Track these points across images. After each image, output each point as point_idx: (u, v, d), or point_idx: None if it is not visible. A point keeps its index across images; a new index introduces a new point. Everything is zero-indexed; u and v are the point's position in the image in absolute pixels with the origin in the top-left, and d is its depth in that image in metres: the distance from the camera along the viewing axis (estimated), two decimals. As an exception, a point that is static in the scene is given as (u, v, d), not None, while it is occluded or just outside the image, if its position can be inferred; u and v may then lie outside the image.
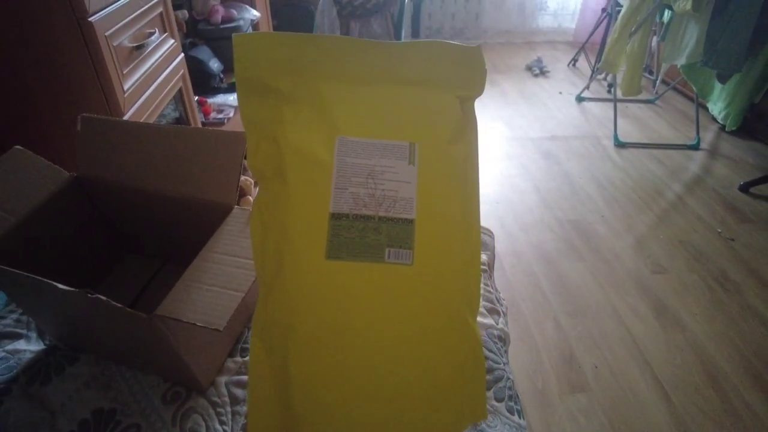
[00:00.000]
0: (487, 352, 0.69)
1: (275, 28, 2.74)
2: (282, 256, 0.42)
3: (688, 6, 2.06)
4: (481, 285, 0.78)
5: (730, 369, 1.42)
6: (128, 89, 1.01)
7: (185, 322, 0.51)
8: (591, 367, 1.43)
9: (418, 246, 0.41)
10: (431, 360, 0.41)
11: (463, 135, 0.47)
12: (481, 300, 0.75)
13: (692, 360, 1.46)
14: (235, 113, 1.78)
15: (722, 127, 2.63)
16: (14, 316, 0.76)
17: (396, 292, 0.41)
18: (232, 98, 1.84)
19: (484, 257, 0.83)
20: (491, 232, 0.89)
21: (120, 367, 0.69)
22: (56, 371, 0.68)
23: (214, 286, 0.55)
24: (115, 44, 0.96)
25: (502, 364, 0.68)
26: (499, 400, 0.64)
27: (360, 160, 0.43)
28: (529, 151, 2.51)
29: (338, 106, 0.45)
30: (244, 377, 0.68)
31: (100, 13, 0.91)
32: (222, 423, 0.64)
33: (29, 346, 0.71)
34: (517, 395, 0.65)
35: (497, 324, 0.73)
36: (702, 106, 2.64)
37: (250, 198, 1.64)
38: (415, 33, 4.00)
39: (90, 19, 0.87)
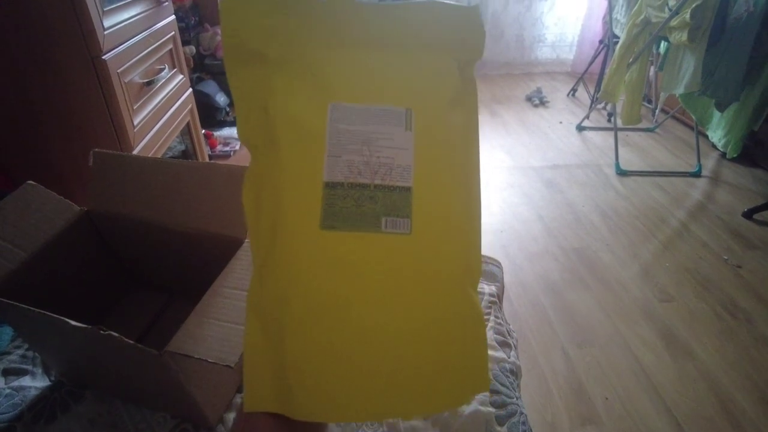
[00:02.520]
0: (499, 386, 0.68)
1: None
2: (276, 227, 0.40)
3: (684, 37, 2.11)
4: (492, 317, 0.77)
5: (744, 400, 1.39)
6: (138, 124, 1.03)
7: (196, 358, 0.51)
8: (601, 399, 1.40)
9: (415, 214, 0.40)
10: (431, 331, 0.39)
11: (463, 101, 0.45)
12: (493, 337, 0.74)
13: (705, 391, 1.43)
14: (241, 147, 1.80)
15: (723, 154, 2.65)
16: (20, 351, 0.75)
17: (394, 261, 0.39)
18: (237, 131, 1.87)
19: (493, 289, 0.82)
20: (499, 263, 0.89)
21: (127, 405, 0.68)
22: (62, 409, 0.67)
23: (225, 321, 0.55)
24: (126, 80, 0.98)
25: (515, 399, 0.67)
26: (513, 436, 0.63)
27: (354, 126, 0.41)
28: (532, 179, 2.52)
29: (330, 71, 0.43)
30: (252, 414, 0.67)
31: (114, 51, 0.93)
32: (229, 461, 0.63)
33: (34, 383, 0.71)
34: (531, 430, 0.64)
35: (509, 357, 0.72)
36: (702, 134, 2.67)
37: None
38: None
39: (104, 57, 0.89)
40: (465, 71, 0.46)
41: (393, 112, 0.42)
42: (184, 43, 1.94)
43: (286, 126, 0.41)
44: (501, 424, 0.64)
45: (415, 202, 0.40)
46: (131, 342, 0.50)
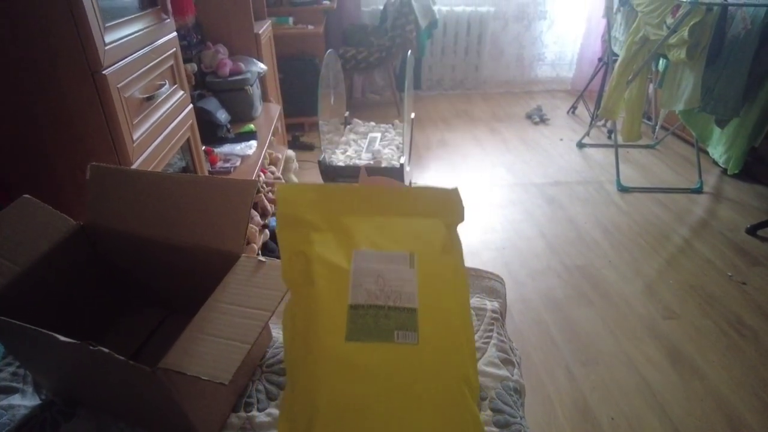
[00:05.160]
0: (502, 405, 0.66)
1: (281, 82, 2.82)
2: (308, 342, 0.50)
3: (683, 55, 2.12)
4: (494, 334, 0.75)
5: (753, 420, 1.36)
6: (137, 139, 1.02)
7: (189, 375, 0.49)
8: (607, 418, 1.37)
9: (421, 329, 0.50)
10: (437, 420, 0.47)
11: (450, 250, 0.59)
12: (496, 354, 0.72)
13: (713, 410, 1.40)
14: (241, 162, 1.80)
15: (724, 171, 2.64)
16: (11, 369, 0.74)
17: (405, 367, 0.48)
18: (238, 148, 1.87)
19: (495, 305, 0.80)
20: (501, 279, 0.87)
21: (118, 424, 0.66)
22: (52, 428, 0.65)
23: (219, 337, 0.53)
24: (126, 95, 0.98)
25: (518, 418, 0.64)
26: (517, 458, 0.61)
27: (371, 265, 0.54)
28: (533, 196, 2.52)
29: (354, 230, 0.58)
30: (248, 434, 0.65)
31: (114, 66, 0.93)
32: (223, 485, 0.60)
33: (24, 401, 0.69)
34: (537, 452, 0.62)
35: (512, 375, 0.70)
36: (702, 151, 2.67)
37: (255, 246, 1.63)
38: (417, 85, 4.12)
39: (104, 72, 0.89)
40: (451, 229, 0.61)
41: (400, 255, 0.56)
42: (186, 60, 1.95)
43: (321, 266, 0.54)
44: (504, 445, 0.62)
45: (421, 319, 0.51)
46: (122, 358, 0.48)
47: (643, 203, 2.47)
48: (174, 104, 1.24)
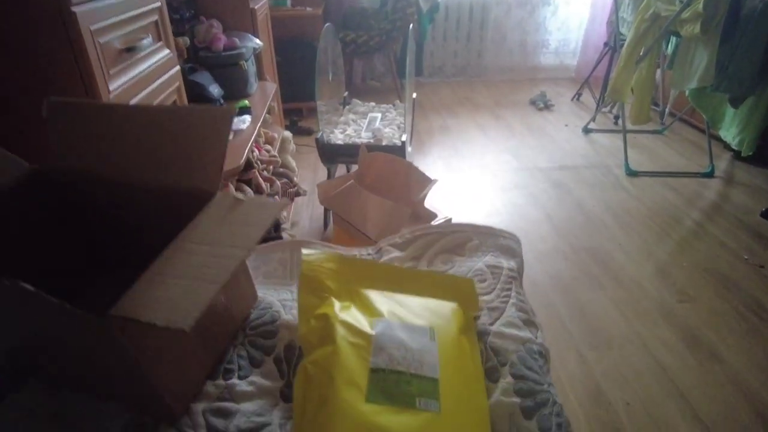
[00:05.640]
0: (525, 371, 0.56)
1: (278, 65, 2.73)
2: (325, 400, 0.49)
3: (696, 29, 2.03)
4: (513, 293, 0.66)
5: (779, 406, 1.27)
6: (115, 90, 0.93)
7: (144, 322, 0.40)
8: (622, 404, 1.28)
9: (443, 398, 0.50)
10: None
11: (467, 332, 0.60)
12: (516, 315, 0.63)
13: (734, 395, 1.31)
14: (234, 137, 1.71)
15: (735, 155, 2.55)
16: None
17: None
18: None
19: (512, 264, 0.72)
20: (517, 238, 0.78)
21: (75, 395, 0.57)
22: (-3, 398, 0.56)
23: (182, 278, 0.44)
24: (102, 41, 0.89)
25: (545, 385, 0.55)
26: (545, 431, 0.51)
27: (394, 333, 0.55)
28: (539, 180, 2.43)
29: (375, 301, 0.60)
30: (227, 404, 0.56)
31: (86, 4, 0.84)
32: (197, 462, 0.51)
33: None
34: (568, 423, 0.53)
35: (536, 338, 0.61)
36: (713, 136, 2.58)
37: (256, 173, 1.53)
38: (418, 71, 4.02)
39: (73, 9, 0.80)
40: (467, 316, 0.63)
41: (421, 328, 0.57)
42: (179, 34, 1.86)
43: (343, 328, 0.55)
44: (529, 417, 0.52)
45: (442, 390, 0.51)
46: (58, 301, 0.39)
47: (652, 187, 2.38)
48: (159, 62, 1.14)
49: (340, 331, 0.55)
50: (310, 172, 2.51)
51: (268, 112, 2.13)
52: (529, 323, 0.63)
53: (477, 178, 2.45)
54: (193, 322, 0.39)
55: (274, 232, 1.69)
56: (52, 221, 0.67)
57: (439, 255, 0.74)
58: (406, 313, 0.59)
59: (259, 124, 1.85)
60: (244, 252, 0.46)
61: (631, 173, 2.50)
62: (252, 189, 1.71)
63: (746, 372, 1.37)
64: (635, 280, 1.73)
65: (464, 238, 0.76)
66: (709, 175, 2.47)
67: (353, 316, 0.57)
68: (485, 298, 0.66)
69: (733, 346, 1.46)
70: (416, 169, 1.50)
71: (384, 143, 1.89)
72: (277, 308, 0.66)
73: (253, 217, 0.50)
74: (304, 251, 0.64)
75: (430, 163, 2.61)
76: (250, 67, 2.11)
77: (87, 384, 0.56)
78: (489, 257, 0.72)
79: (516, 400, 0.54)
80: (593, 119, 3.09)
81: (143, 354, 0.46)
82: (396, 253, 0.74)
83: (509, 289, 0.67)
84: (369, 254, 0.76)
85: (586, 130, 3.05)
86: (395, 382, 0.50)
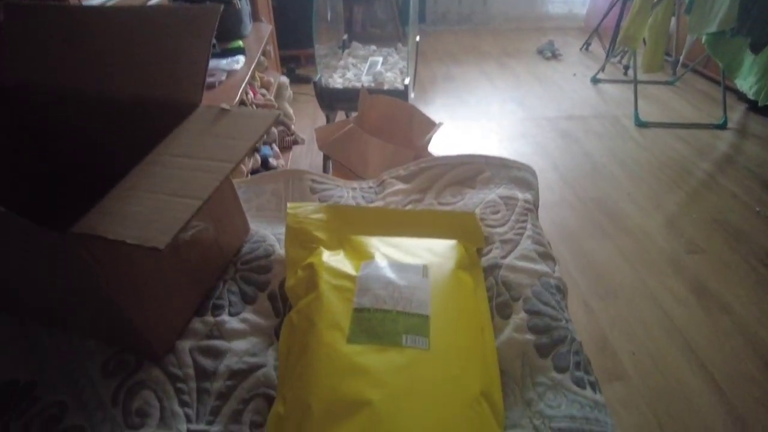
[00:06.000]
0: (541, 306, 0.52)
1: (275, 11, 2.58)
2: (307, 345, 0.46)
3: (721, -33, 1.89)
4: (528, 225, 0.61)
5: (788, 356, 1.24)
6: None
7: (111, 240, 0.34)
8: (628, 354, 1.25)
9: (433, 336, 0.45)
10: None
11: (469, 268, 0.56)
12: (531, 247, 0.58)
13: (742, 346, 1.28)
14: (227, 77, 1.62)
15: (751, 106, 2.46)
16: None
17: (413, 372, 0.43)
18: (224, 62, 1.68)
19: (528, 196, 0.66)
20: (533, 170, 0.72)
21: (51, 332, 0.52)
22: (-35, 334, 0.51)
23: (158, 193, 0.38)
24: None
25: (563, 321, 0.50)
26: (561, 370, 0.47)
27: (381, 273, 0.51)
28: (545, 130, 2.34)
29: (366, 245, 0.56)
30: (217, 342, 0.51)
31: None
32: (183, 404, 0.47)
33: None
34: (588, 361, 0.48)
35: (553, 272, 0.55)
36: (728, 88, 2.47)
37: (244, 168, 1.47)
38: (421, 18, 3.84)
39: None
40: (470, 252, 0.59)
41: (412, 266, 0.53)
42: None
43: (327, 273, 0.51)
44: (544, 355, 0.48)
45: (433, 326, 0.46)
46: (16, 216, 0.33)
47: (662, 138, 2.30)
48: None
49: (324, 276, 0.51)
50: (308, 121, 2.42)
51: (264, 55, 2.03)
52: (546, 256, 0.57)
53: (482, 127, 2.36)
54: (169, 240, 0.34)
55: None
56: (6, 143, 0.60)
57: (447, 187, 0.68)
58: (399, 254, 0.55)
59: (253, 66, 1.75)
60: (230, 165, 0.40)
61: (641, 124, 2.41)
62: (247, 134, 1.63)
63: (755, 323, 1.34)
64: (644, 231, 1.68)
65: (475, 170, 0.70)
66: (722, 126, 2.38)
67: (341, 262, 0.54)
68: (498, 230, 0.60)
69: (743, 297, 1.43)
70: (420, 112, 1.42)
71: (385, 87, 1.80)
72: (271, 242, 0.60)
73: (241, 129, 0.44)
74: (290, 204, 0.60)
75: (433, 112, 2.51)
76: (244, 6, 1.99)
77: (62, 319, 0.51)
78: (502, 189, 0.66)
79: (530, 337, 0.50)
80: (602, 69, 2.97)
81: (117, 283, 0.41)
82: (400, 186, 0.68)
83: (524, 221, 0.61)
84: (370, 187, 0.70)
85: (595, 80, 2.93)
86: (380, 320, 0.46)
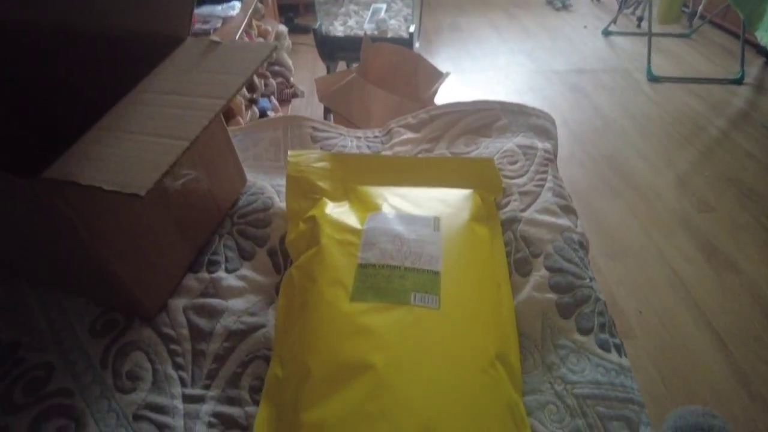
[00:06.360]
0: (563, 263, 0.48)
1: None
2: (307, 303, 0.43)
3: None
4: (549, 176, 0.56)
5: (797, 316, 1.23)
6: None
7: (86, 186, 0.30)
8: (635, 312, 1.24)
9: (445, 293, 0.42)
10: (460, 405, 0.36)
11: (485, 220, 0.51)
12: (552, 200, 0.54)
13: (750, 306, 1.26)
14: (222, 24, 1.53)
15: (769, 61, 2.36)
16: None
17: (421, 331, 0.40)
18: (219, 8, 1.59)
19: (547, 145, 0.61)
20: (552, 119, 0.67)
21: (36, 290, 0.49)
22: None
23: (139, 133, 0.33)
24: None
25: (587, 279, 0.47)
26: (585, 332, 0.43)
27: (389, 225, 0.47)
28: (555, 84, 2.25)
29: (373, 196, 0.52)
30: (213, 301, 0.48)
31: None
32: (178, 367, 0.44)
33: None
34: (613, 323, 0.45)
35: (575, 226, 0.51)
36: (747, 42, 2.35)
37: (241, 120, 1.41)
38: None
39: None
40: (487, 201, 0.54)
41: (423, 218, 0.48)
42: None
43: (329, 226, 0.48)
44: (567, 316, 0.44)
45: (444, 283, 0.42)
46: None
47: (675, 94, 2.21)
48: None
49: (326, 229, 0.47)
50: (307, 73, 2.33)
51: (261, 2, 1.92)
52: (568, 210, 0.53)
53: (490, 80, 2.27)
54: (151, 186, 0.29)
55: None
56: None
57: (461, 136, 0.63)
58: (408, 205, 0.50)
59: (249, 13, 1.66)
60: (221, 102, 0.35)
61: (654, 78, 2.32)
62: (244, 85, 1.56)
63: (764, 283, 1.32)
64: (654, 189, 1.64)
65: (491, 117, 0.64)
66: (738, 81, 2.29)
67: (344, 213, 0.49)
68: (516, 181, 0.56)
69: (753, 257, 1.40)
70: (426, 61, 1.35)
71: (389, 35, 1.71)
72: (270, 194, 0.56)
73: (233, 63, 0.39)
74: (290, 151, 0.56)
75: (438, 64, 2.39)
76: (239, -53, 1.87)
77: (46, 277, 0.48)
78: (520, 138, 0.61)
79: (551, 296, 0.46)
80: (614, 21, 2.84)
81: (99, 235, 0.37)
82: (409, 135, 0.63)
83: (545, 172, 0.57)
84: (376, 137, 0.65)
85: (607, 33, 2.80)
86: (386, 277, 0.42)
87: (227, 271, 0.50)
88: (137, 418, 0.40)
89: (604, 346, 0.43)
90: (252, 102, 1.55)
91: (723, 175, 1.71)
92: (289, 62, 2.12)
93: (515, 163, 0.58)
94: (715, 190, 1.64)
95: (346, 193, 0.54)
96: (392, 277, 0.42)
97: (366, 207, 0.50)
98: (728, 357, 1.15)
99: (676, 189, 1.64)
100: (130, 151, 0.32)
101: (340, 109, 1.33)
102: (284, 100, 2.02)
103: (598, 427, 0.38)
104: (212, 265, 0.50)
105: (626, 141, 1.87)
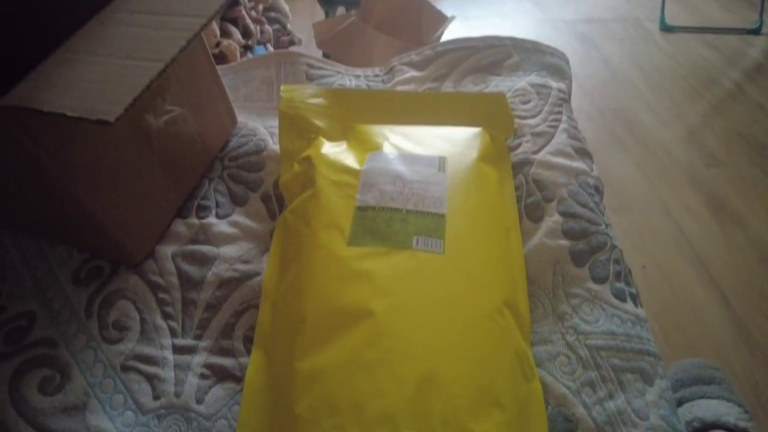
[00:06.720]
0: (578, 208, 0.45)
1: None
2: (301, 247, 0.41)
3: None
4: (563, 117, 0.52)
5: (803, 271, 1.21)
6: None
7: (48, 113, 0.26)
8: (638, 267, 1.22)
9: (450, 237, 0.40)
10: (465, 353, 0.35)
11: (495, 161, 0.48)
12: (567, 142, 0.50)
13: (755, 262, 1.24)
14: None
15: (788, 8, 2.25)
16: None
17: (424, 277, 0.38)
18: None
19: (562, 85, 0.57)
20: (566, 57, 0.62)
21: (15, 234, 0.46)
22: None
23: (109, 56, 0.29)
24: None
25: (603, 226, 0.44)
26: (599, 281, 0.41)
27: (389, 166, 0.44)
28: (563, 34, 2.16)
29: (373, 134, 0.49)
30: (203, 248, 0.45)
31: None
32: (167, 316, 0.41)
33: None
34: (629, 271, 0.42)
35: (591, 170, 0.48)
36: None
37: (243, 11, 1.35)
38: None
39: None
40: (497, 141, 0.51)
41: (427, 157, 0.46)
42: None
43: (326, 167, 0.45)
44: (580, 264, 0.42)
45: (450, 227, 0.40)
46: None
47: (688, 44, 2.12)
48: None
49: (323, 170, 0.44)
50: (305, 20, 2.23)
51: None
52: (583, 153, 0.50)
53: (495, 27, 2.18)
54: (121, 111, 0.26)
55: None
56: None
57: (469, 74, 0.58)
58: (411, 144, 0.47)
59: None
60: (201, 20, 0.31)
61: (666, 28, 2.22)
62: (239, 30, 1.49)
63: (771, 238, 1.30)
64: (662, 143, 1.59)
65: (502, 55, 0.60)
66: (756, 31, 2.20)
67: (342, 153, 0.47)
68: (529, 121, 0.52)
69: (761, 213, 1.37)
70: (430, 4, 1.28)
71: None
72: (262, 136, 0.52)
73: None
74: (284, 86, 0.52)
75: (442, 10, 2.31)
76: None
77: (24, 222, 0.45)
78: (533, 76, 0.57)
79: (564, 242, 0.43)
80: (628, -34, 2.70)
81: (72, 172, 0.33)
82: (412, 73, 0.59)
83: (559, 113, 0.53)
84: (377, 75, 0.61)
85: (619, -21, 2.67)
86: (387, 220, 0.40)
87: (218, 216, 0.47)
88: (125, 369, 0.38)
89: (619, 296, 0.40)
90: (247, 49, 1.48)
91: (734, 129, 1.66)
92: (286, 8, 2.02)
93: (528, 102, 0.54)
94: (724, 144, 1.60)
95: (344, 131, 0.50)
96: (393, 220, 0.40)
97: (365, 146, 0.47)
98: (730, 312, 1.14)
99: (685, 143, 1.59)
100: (99, 75, 0.29)
101: (339, 55, 1.27)
102: (281, 48, 1.94)
103: (611, 380, 0.36)
104: (202, 211, 0.47)
105: (635, 94, 1.81)
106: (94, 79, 0.28)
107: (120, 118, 0.25)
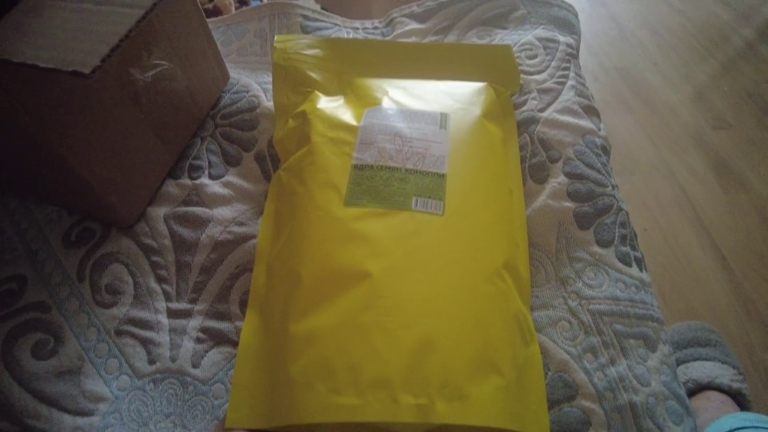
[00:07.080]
0: (585, 168, 0.43)
1: None
2: (296, 207, 0.39)
3: None
4: (571, 73, 0.50)
5: (804, 228, 1.21)
6: None
7: (18, 64, 0.24)
8: (640, 230, 1.21)
9: (450, 198, 0.39)
10: (463, 316, 0.34)
11: (499, 118, 0.47)
12: (575, 99, 0.48)
13: (758, 225, 1.24)
14: None
15: (806, -38, 2.15)
16: None
17: (423, 238, 0.37)
18: None
19: (570, 40, 0.54)
20: (575, 10, 0.59)
21: (2, 195, 0.44)
22: None
23: (84, 2, 0.27)
24: None
25: (610, 188, 0.43)
26: (604, 244, 0.40)
27: (388, 122, 0.43)
28: (569, -12, 2.07)
29: (372, 89, 0.47)
30: (196, 209, 0.44)
31: None
32: (161, 280, 0.40)
33: None
34: (635, 235, 0.41)
35: (599, 129, 0.46)
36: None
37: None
38: None
39: None
40: (503, 97, 0.49)
41: (428, 113, 0.44)
42: None
43: (322, 123, 0.43)
44: (585, 226, 0.40)
45: (450, 187, 0.39)
46: None
47: (700, 1, 2.04)
48: None
49: (318, 126, 0.43)
50: (301, -26, 2.14)
51: None
52: (591, 111, 0.48)
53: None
54: (97, 62, 0.24)
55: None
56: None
57: (473, 27, 0.55)
58: (412, 99, 0.46)
59: None
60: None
61: (678, -17, 2.13)
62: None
63: (774, 202, 1.28)
64: (668, 104, 1.55)
65: (508, 6, 0.57)
66: (770, -14, 2.11)
67: (339, 108, 0.45)
68: (535, 77, 0.50)
69: (765, 176, 1.36)
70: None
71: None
72: (256, 92, 0.50)
73: None
74: (278, 36, 0.49)
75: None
76: None
77: (9, 182, 0.43)
78: (540, 30, 0.54)
79: (569, 204, 0.42)
80: None
81: (52, 129, 0.32)
82: (413, 25, 0.56)
83: (567, 68, 0.50)
84: (376, 27, 0.58)
85: (631, -70, 2.55)
86: (385, 180, 0.39)
87: (211, 177, 0.45)
88: (120, 333, 0.38)
89: (624, 260, 0.39)
90: (242, 3, 1.42)
91: (743, 89, 1.62)
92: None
93: (534, 57, 0.51)
94: (733, 105, 1.56)
95: (341, 85, 0.48)
96: (391, 180, 0.39)
97: (364, 101, 0.45)
98: (731, 277, 1.14)
99: (692, 104, 1.56)
100: (73, 23, 0.26)
101: (337, 7, 1.21)
102: (277, 4, 1.87)
103: (613, 345, 0.35)
104: (194, 171, 0.45)
105: (643, 53, 1.76)
106: (68, 28, 0.26)
107: (96, 70, 0.24)
